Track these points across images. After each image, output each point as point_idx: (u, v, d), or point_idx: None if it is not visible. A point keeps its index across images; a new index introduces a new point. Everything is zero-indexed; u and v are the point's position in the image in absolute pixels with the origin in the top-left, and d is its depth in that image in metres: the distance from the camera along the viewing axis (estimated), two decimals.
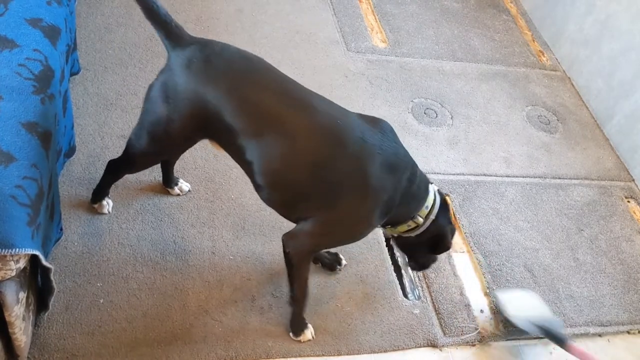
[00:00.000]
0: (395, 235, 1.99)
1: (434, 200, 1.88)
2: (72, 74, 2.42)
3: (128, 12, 2.93)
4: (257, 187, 1.78)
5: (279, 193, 1.77)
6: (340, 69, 3.08)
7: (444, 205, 1.93)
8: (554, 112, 3.28)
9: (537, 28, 3.88)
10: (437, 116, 3.01)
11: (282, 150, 1.65)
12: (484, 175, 2.79)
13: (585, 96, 3.43)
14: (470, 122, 3.04)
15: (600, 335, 2.33)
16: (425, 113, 3.01)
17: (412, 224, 1.88)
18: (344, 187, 1.68)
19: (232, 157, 1.78)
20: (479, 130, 3.01)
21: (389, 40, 3.39)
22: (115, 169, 2.01)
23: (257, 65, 1.71)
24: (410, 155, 1.84)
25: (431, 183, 1.92)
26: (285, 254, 1.82)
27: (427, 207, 1.86)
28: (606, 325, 2.34)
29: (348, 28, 3.36)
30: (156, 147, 1.84)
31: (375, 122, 1.78)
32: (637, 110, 3.07)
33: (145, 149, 1.83)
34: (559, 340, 2.11)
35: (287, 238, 1.80)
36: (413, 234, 1.91)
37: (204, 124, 1.70)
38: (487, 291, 2.33)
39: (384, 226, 1.93)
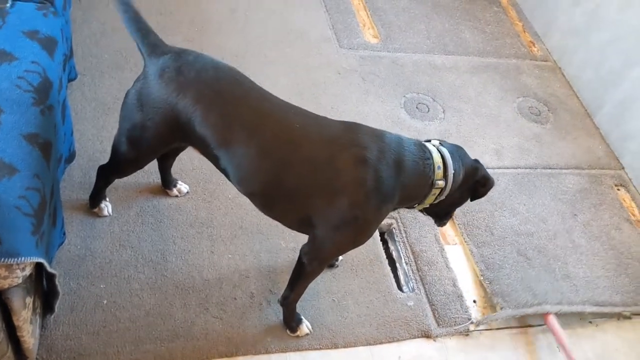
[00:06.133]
0: (428, 206, 1.84)
1: (442, 154, 1.75)
2: (70, 80, 2.47)
3: None
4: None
5: (257, 199, 1.79)
6: (333, 66, 3.13)
7: (456, 150, 1.81)
8: (545, 102, 3.33)
9: (528, 19, 3.91)
10: (429, 110, 3.06)
11: (249, 159, 1.66)
12: None
13: (576, 86, 3.48)
14: (462, 115, 3.09)
15: (590, 322, 2.41)
16: (417, 108, 3.06)
17: (436, 192, 1.74)
18: (316, 189, 1.65)
19: (211, 163, 1.80)
20: (470, 123, 3.06)
21: (381, 35, 3.44)
22: (105, 175, 2.08)
23: (227, 75, 1.72)
24: (393, 137, 1.72)
25: (428, 141, 1.80)
26: (301, 263, 1.84)
27: (439, 167, 1.72)
28: (601, 305, 2.42)
29: (340, 25, 3.40)
30: (136, 152, 1.88)
31: (342, 122, 1.74)
32: (626, 98, 3.12)
33: (127, 155, 1.89)
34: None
35: (305, 251, 1.82)
36: (444, 196, 1.77)
37: (177, 132, 1.73)
38: (480, 281, 2.39)
39: (411, 207, 1.83)
